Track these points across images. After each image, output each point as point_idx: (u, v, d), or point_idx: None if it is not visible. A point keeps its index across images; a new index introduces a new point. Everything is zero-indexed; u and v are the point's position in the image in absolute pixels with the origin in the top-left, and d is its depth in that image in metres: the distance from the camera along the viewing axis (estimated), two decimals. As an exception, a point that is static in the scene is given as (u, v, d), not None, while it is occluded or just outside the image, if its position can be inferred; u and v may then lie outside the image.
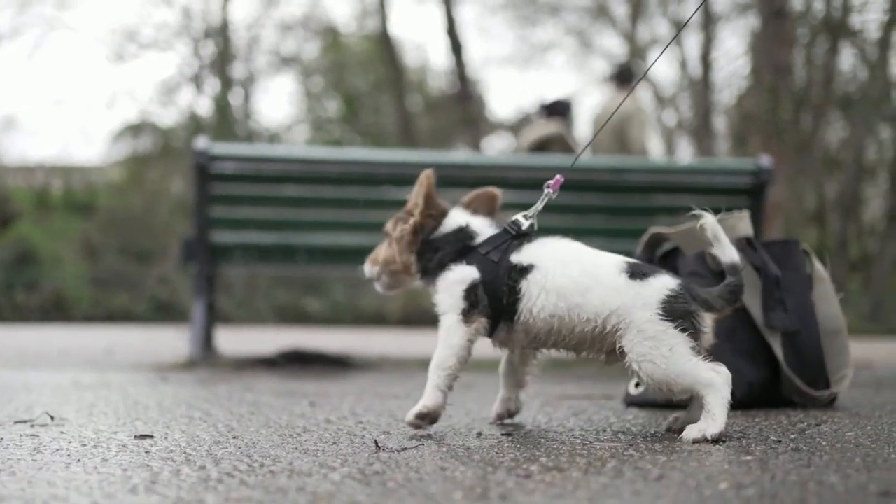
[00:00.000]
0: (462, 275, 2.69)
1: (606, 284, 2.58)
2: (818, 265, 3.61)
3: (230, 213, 6.38)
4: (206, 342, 6.29)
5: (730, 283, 2.65)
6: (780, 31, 14.22)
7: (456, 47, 23.43)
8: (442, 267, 2.74)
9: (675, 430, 2.71)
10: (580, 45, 26.91)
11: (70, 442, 2.50)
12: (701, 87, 22.00)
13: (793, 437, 2.60)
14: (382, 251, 2.95)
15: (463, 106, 23.68)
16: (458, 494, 1.78)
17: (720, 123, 22.70)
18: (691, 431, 2.51)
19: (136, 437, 2.61)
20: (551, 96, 8.76)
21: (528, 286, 2.63)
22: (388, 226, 2.96)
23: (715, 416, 2.49)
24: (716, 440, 2.47)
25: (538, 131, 8.27)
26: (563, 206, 6.21)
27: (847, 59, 18.91)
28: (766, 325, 3.39)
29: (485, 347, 2.89)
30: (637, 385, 3.50)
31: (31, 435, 2.64)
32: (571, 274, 2.61)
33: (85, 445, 2.44)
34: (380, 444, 2.44)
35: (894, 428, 2.78)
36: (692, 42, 27.91)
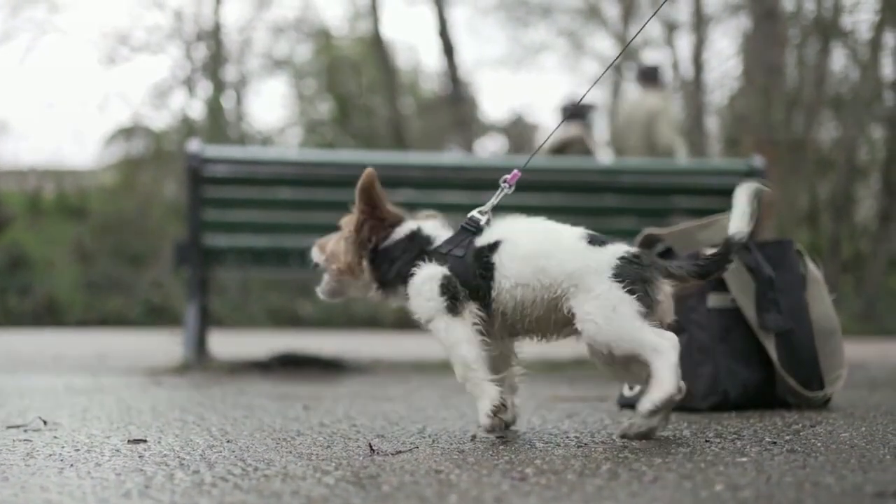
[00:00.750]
0: (430, 272, 2.62)
1: (566, 248, 2.56)
2: (811, 266, 3.61)
3: (223, 216, 6.36)
4: (200, 346, 6.27)
5: (707, 256, 2.63)
6: (772, 31, 14.26)
7: (448, 49, 23.43)
8: (404, 276, 2.66)
9: (630, 436, 2.62)
10: (572, 46, 26.92)
11: (63, 447, 2.49)
12: (693, 88, 22.02)
13: (788, 438, 2.60)
14: (332, 242, 2.86)
15: (455, 108, 23.67)
16: (454, 498, 1.78)
17: (712, 124, 22.73)
18: (644, 404, 2.46)
19: (129, 441, 2.60)
20: (573, 98, 8.82)
21: (500, 258, 2.59)
22: (343, 220, 2.86)
23: (663, 381, 2.42)
24: (668, 405, 2.44)
25: (558, 134, 8.32)
26: (555, 208, 6.21)
27: (838, 59, 18.95)
28: (760, 325, 3.39)
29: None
30: (631, 388, 3.49)
31: (24, 440, 2.63)
32: (536, 239, 2.60)
33: (78, 450, 2.43)
34: (374, 448, 2.44)
35: (889, 428, 2.78)
36: (684, 43, 27.99)
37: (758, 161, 6.05)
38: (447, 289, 2.59)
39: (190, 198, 6.04)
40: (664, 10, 22.71)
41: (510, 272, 2.56)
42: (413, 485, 1.91)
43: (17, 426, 2.93)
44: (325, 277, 2.88)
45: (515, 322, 2.63)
